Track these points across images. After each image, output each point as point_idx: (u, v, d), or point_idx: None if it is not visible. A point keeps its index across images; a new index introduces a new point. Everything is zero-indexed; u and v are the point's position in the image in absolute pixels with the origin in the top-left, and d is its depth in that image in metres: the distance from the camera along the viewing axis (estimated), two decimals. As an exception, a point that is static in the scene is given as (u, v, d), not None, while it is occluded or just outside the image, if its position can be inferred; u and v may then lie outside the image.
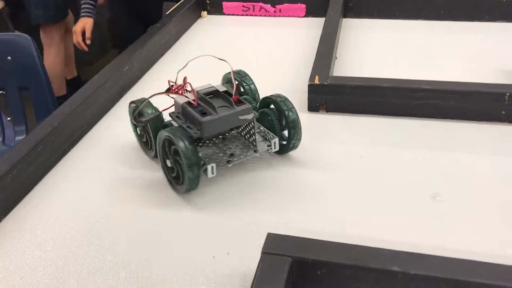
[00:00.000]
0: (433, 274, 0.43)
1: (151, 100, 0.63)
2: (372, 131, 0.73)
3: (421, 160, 0.66)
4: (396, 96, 0.74)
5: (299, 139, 0.65)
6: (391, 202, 0.59)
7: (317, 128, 0.75)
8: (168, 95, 0.65)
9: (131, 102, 0.68)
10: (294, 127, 0.64)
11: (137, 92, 0.88)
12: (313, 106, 0.78)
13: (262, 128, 0.66)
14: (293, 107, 0.64)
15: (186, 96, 0.63)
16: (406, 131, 0.72)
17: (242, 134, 0.66)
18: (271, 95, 0.66)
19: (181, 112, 0.63)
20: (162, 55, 1.03)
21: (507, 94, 0.71)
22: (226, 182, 0.63)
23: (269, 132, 0.65)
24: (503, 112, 0.72)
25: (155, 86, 0.82)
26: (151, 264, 0.52)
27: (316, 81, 0.77)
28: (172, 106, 0.66)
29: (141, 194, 0.62)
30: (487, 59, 0.91)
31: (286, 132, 0.65)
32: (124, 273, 0.51)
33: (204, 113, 0.60)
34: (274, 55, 1.01)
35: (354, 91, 0.76)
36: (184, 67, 0.63)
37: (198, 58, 0.64)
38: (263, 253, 0.47)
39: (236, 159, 0.62)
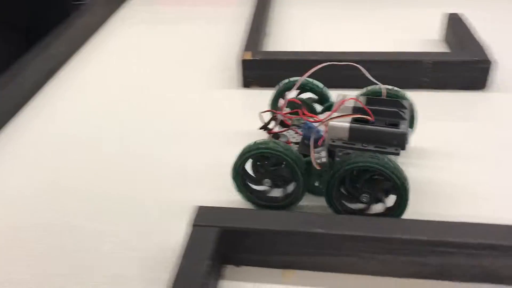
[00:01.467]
0: (356, 233, 0.45)
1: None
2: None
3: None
4: (325, 69, 0.76)
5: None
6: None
7: (251, 104, 0.76)
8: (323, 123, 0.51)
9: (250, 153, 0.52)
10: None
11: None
12: (246, 82, 0.79)
13: None
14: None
15: (350, 115, 0.51)
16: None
17: None
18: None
19: (350, 136, 0.50)
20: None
21: (428, 61, 0.74)
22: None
23: None
24: (426, 79, 0.75)
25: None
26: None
27: (248, 57, 0.77)
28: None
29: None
30: (413, 30, 0.95)
31: None
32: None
33: (392, 124, 0.50)
34: (206, 33, 1.00)
35: (285, 66, 0.77)
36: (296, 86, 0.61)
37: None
38: (191, 225, 0.47)
39: None
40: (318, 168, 0.50)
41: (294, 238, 0.46)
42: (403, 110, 0.52)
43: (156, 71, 0.87)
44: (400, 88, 0.76)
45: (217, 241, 0.46)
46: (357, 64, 0.64)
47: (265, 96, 0.77)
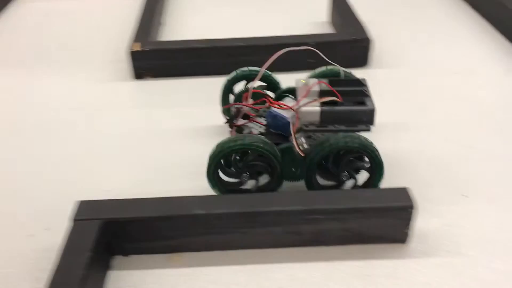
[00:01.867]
0: (233, 211, 0.47)
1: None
2: (197, 91, 0.76)
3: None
4: (215, 56, 0.77)
5: None
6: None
7: (145, 95, 0.76)
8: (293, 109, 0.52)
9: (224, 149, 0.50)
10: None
11: None
12: (139, 74, 0.79)
13: None
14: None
15: (317, 100, 0.51)
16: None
17: None
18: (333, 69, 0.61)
19: (322, 119, 0.51)
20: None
21: (312, 43, 0.77)
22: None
23: None
24: (311, 61, 0.79)
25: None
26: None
27: (137, 48, 0.77)
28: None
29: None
30: (302, 13, 0.98)
31: None
32: None
33: (359, 103, 0.51)
34: (99, 25, 0.98)
35: (176, 55, 0.78)
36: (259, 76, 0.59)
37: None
38: (73, 220, 0.47)
39: None
40: (302, 154, 0.51)
41: (175, 222, 0.47)
42: (366, 88, 0.53)
43: (44, 65, 0.84)
44: (289, 71, 0.79)
45: (99, 233, 0.46)
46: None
47: (159, 86, 0.77)
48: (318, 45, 0.77)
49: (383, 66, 0.81)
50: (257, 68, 0.62)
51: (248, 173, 0.51)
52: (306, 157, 0.51)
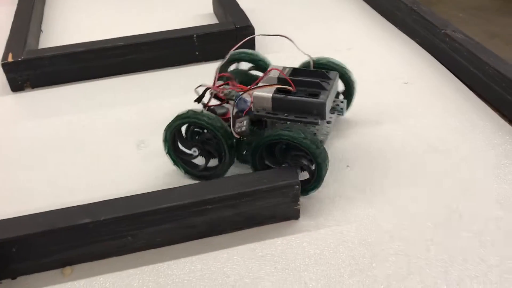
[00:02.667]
0: (118, 215, 0.46)
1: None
2: (81, 97, 0.73)
3: (128, 114, 0.69)
4: (95, 59, 0.75)
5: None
6: (101, 160, 0.61)
7: (27, 107, 0.72)
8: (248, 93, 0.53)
9: (174, 123, 0.53)
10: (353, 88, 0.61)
11: None
12: (16, 86, 0.74)
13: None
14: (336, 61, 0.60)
15: (272, 85, 0.52)
16: (112, 90, 0.74)
17: None
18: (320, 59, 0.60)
19: (273, 106, 0.52)
20: None
21: (195, 35, 0.77)
22: None
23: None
24: (197, 53, 0.79)
25: None
26: None
27: (10, 59, 0.72)
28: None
29: None
30: (185, 6, 0.97)
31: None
32: None
33: (312, 95, 0.51)
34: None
35: (54, 62, 0.74)
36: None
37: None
38: None
39: (323, 137, 0.57)
40: (236, 136, 0.52)
41: (60, 235, 0.45)
42: (327, 81, 0.53)
43: None
44: (175, 65, 0.78)
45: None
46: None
47: (42, 96, 0.73)
48: (199, 37, 0.78)
49: (269, 51, 0.82)
50: (249, 51, 0.64)
51: (198, 149, 0.54)
52: (242, 139, 0.53)
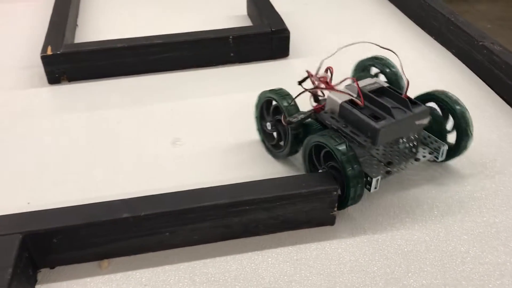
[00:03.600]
0: (158, 211, 0.47)
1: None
2: (117, 93, 0.74)
3: (164, 111, 0.69)
4: (133, 55, 0.76)
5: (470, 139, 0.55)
6: (136, 156, 0.61)
7: (63, 100, 0.73)
8: (320, 91, 0.55)
9: (266, 94, 0.57)
10: (467, 124, 0.54)
11: None
12: (54, 78, 0.75)
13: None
14: (457, 98, 0.54)
15: (349, 94, 0.51)
16: (148, 87, 0.75)
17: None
18: (429, 92, 0.55)
19: (340, 113, 0.51)
20: None
21: (231, 36, 0.78)
22: None
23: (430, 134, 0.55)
24: (232, 54, 0.79)
25: None
26: None
27: (49, 52, 0.74)
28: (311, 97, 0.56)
29: None
30: (218, 7, 0.98)
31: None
32: None
33: (375, 117, 0.49)
34: (8, 31, 0.93)
35: (92, 56, 0.75)
36: (333, 54, 0.54)
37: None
38: (-7, 236, 0.45)
39: (395, 169, 0.53)
40: (284, 123, 0.54)
41: (101, 228, 0.46)
42: (405, 109, 0.49)
43: None
44: (210, 66, 0.79)
45: (20, 248, 0.44)
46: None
47: (78, 89, 0.74)
48: (235, 39, 0.79)
49: (302, 55, 0.83)
50: (382, 57, 0.62)
51: (271, 126, 0.58)
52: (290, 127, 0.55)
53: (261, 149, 0.61)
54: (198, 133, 0.65)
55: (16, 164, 0.61)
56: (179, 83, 0.75)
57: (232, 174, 0.57)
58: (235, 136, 0.64)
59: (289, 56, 0.82)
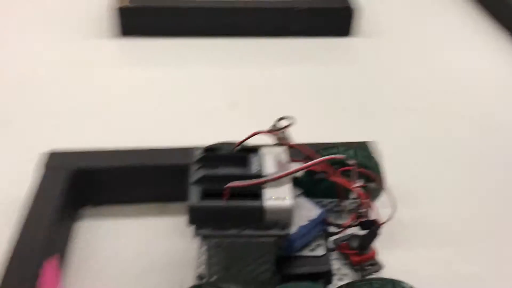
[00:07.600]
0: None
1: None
2: (185, 52, 0.76)
3: (223, 75, 0.71)
4: (203, 17, 0.77)
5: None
6: (194, 114, 0.64)
7: (133, 53, 0.76)
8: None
9: None
10: None
11: None
12: (125, 32, 0.78)
13: None
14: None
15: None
16: (214, 50, 0.76)
17: None
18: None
19: None
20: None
21: (297, 7, 0.77)
22: None
23: None
24: (296, 26, 0.79)
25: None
26: None
27: (125, 4, 0.76)
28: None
29: None
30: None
31: None
32: None
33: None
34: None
35: (166, 12, 0.77)
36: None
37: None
38: (41, 169, 0.47)
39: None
40: None
41: (152, 173, 0.48)
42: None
43: (18, 23, 0.81)
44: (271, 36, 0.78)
45: (69, 183, 0.47)
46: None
47: (149, 44, 0.77)
48: (300, 11, 0.78)
49: (367, 36, 0.80)
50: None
51: None
52: None
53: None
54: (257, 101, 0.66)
55: (83, 105, 0.64)
56: (242, 50, 0.76)
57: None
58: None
59: (352, 35, 0.80)
